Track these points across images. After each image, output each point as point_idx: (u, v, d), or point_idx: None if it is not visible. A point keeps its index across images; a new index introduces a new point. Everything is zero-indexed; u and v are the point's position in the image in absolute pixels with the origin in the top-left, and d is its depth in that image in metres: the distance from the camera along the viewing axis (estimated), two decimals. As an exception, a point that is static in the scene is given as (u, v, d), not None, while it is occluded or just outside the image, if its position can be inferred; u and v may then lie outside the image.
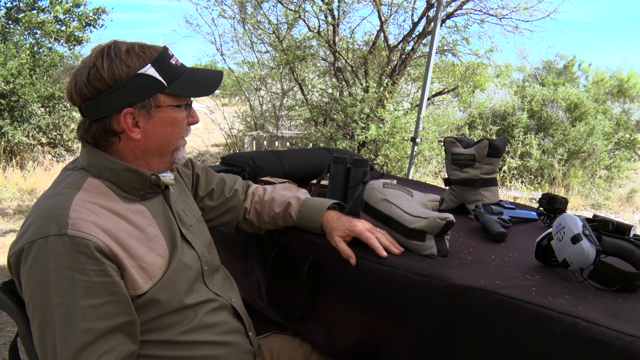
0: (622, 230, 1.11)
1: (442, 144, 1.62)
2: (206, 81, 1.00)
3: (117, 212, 0.91)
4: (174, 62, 0.95)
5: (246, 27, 6.90)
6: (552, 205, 1.37)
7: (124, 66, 0.89)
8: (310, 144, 6.17)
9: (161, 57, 0.93)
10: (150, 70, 0.91)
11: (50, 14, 6.25)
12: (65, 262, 0.80)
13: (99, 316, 0.82)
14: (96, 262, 0.82)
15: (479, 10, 5.82)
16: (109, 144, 0.95)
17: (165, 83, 0.92)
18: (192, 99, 1.01)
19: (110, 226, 0.88)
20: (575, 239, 0.92)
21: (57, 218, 0.83)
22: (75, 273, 0.81)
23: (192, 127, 1.05)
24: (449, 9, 5.72)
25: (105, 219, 0.88)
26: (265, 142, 7.10)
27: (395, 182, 1.42)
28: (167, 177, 1.04)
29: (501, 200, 1.47)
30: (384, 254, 1.08)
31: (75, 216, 0.84)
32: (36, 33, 6.20)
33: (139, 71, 0.90)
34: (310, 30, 6.18)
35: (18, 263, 0.83)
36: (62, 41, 6.42)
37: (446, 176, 1.54)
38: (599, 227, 1.00)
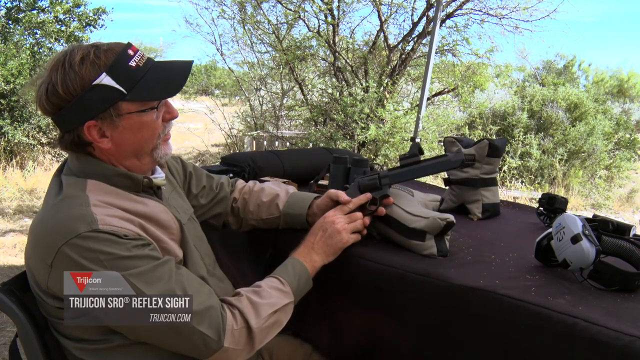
0: (622, 230, 1.12)
1: (442, 143, 1.62)
2: (173, 76, 0.93)
3: (127, 208, 0.91)
4: (133, 64, 0.88)
5: (246, 28, 6.90)
6: (552, 205, 1.37)
7: (78, 79, 0.85)
8: (310, 144, 6.16)
9: (118, 61, 0.87)
10: (105, 79, 0.86)
11: (51, 14, 6.24)
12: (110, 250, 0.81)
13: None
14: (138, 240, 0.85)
15: (479, 10, 5.83)
16: (87, 152, 0.93)
17: (124, 90, 0.87)
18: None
19: (131, 217, 0.89)
20: (575, 239, 0.92)
21: (82, 217, 0.82)
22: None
23: (172, 123, 0.99)
24: (449, 9, 5.73)
25: (121, 212, 0.88)
26: (265, 142, 7.10)
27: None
28: (159, 177, 1.03)
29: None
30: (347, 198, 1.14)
31: (100, 212, 0.83)
32: (36, 33, 6.19)
33: (94, 82, 0.85)
34: (310, 30, 6.17)
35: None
36: (62, 41, 6.40)
37: (446, 176, 1.54)
38: (599, 227, 1.00)
